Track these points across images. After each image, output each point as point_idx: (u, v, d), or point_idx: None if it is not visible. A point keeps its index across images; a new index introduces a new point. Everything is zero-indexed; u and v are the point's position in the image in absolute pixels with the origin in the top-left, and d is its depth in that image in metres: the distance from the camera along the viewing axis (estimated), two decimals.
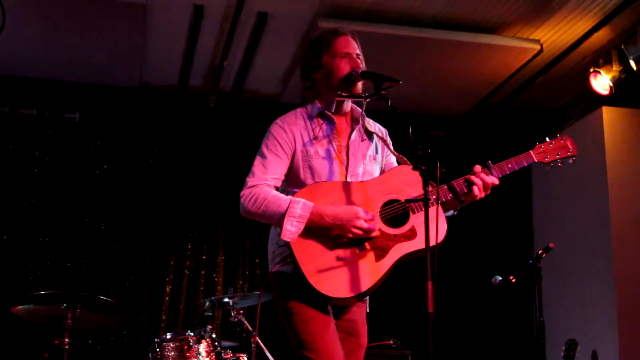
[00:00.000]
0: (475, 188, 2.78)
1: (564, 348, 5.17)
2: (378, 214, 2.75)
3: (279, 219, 2.68)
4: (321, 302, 2.71)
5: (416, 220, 2.75)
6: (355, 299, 2.72)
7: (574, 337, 5.23)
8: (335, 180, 2.82)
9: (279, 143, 2.83)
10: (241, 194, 2.79)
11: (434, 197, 2.61)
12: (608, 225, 6.00)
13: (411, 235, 2.73)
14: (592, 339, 5.86)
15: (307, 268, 2.65)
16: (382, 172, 3.00)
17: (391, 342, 5.61)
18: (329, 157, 2.85)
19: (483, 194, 2.81)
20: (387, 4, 5.17)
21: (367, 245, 2.71)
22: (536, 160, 2.95)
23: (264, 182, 2.77)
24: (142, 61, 5.89)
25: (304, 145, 2.84)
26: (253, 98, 6.54)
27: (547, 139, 2.98)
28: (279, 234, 2.75)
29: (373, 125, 3.04)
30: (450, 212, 2.89)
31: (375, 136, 3.01)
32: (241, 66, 5.97)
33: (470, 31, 5.49)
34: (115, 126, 6.34)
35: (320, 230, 2.68)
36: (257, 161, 2.84)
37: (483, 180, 2.80)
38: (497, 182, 2.84)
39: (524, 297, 5.73)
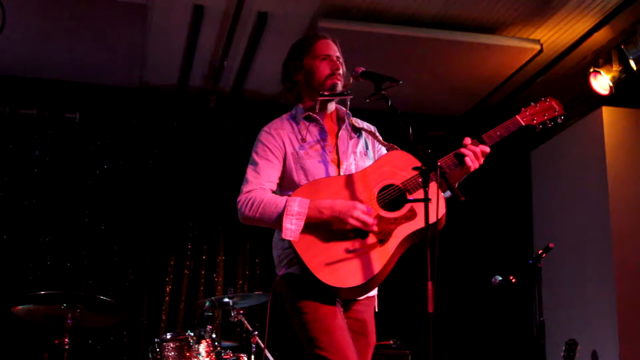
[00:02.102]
0: (467, 159, 2.78)
1: (564, 348, 5.17)
2: (375, 200, 2.75)
3: (277, 219, 2.68)
4: (331, 298, 2.70)
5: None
6: (366, 287, 2.69)
7: (574, 337, 5.24)
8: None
9: (269, 148, 2.85)
10: (237, 200, 2.79)
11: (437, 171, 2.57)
12: (608, 225, 6.00)
13: (411, 215, 2.72)
14: (592, 339, 5.86)
15: (313, 264, 2.64)
16: None
17: (391, 342, 5.61)
18: (320, 157, 2.86)
19: (477, 164, 2.81)
20: (387, 4, 5.17)
21: (368, 231, 2.70)
22: (523, 124, 2.92)
23: (258, 187, 2.78)
24: (142, 61, 5.90)
25: (294, 148, 2.86)
26: (253, 98, 6.54)
27: (532, 102, 2.96)
28: (281, 237, 2.76)
29: (361, 123, 3.06)
30: (448, 193, 2.87)
31: (363, 132, 3.03)
32: (241, 66, 5.97)
33: (470, 31, 5.49)
34: (115, 126, 6.34)
35: (320, 225, 2.68)
36: (249, 169, 2.85)
37: (473, 150, 2.80)
38: (488, 149, 2.83)
39: (524, 297, 5.75)
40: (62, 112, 6.20)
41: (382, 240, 2.69)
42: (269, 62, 5.90)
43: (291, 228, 2.64)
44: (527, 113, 2.95)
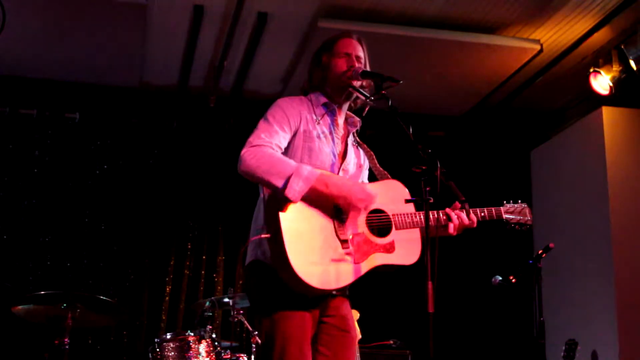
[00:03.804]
0: (450, 226, 2.90)
1: (564, 348, 5.17)
2: (365, 219, 2.79)
3: (284, 178, 2.61)
4: (303, 301, 2.70)
5: (396, 236, 2.82)
6: (328, 292, 2.74)
7: (574, 337, 5.23)
8: (327, 169, 2.83)
9: (287, 117, 2.82)
10: (244, 151, 2.71)
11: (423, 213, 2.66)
12: (608, 225, 5.99)
13: (390, 248, 2.79)
14: (592, 339, 5.86)
15: (290, 243, 2.60)
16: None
17: (391, 342, 5.61)
18: (327, 146, 2.88)
19: (455, 233, 2.92)
20: (387, 4, 5.18)
21: (350, 245, 2.71)
22: (504, 219, 3.10)
23: (268, 145, 2.73)
24: (142, 61, 5.90)
25: (307, 126, 2.86)
26: (253, 98, 6.54)
27: (511, 201, 3.15)
28: (263, 224, 2.73)
29: (360, 141, 3.12)
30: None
31: (361, 148, 3.07)
32: (241, 66, 5.97)
33: (470, 31, 5.49)
34: (115, 126, 6.34)
35: (318, 202, 2.67)
36: (263, 126, 2.78)
37: (461, 219, 2.91)
38: (475, 224, 2.97)
39: (524, 297, 5.74)
40: (62, 112, 6.20)
41: (359, 258, 2.72)
42: (269, 62, 5.91)
43: (296, 189, 2.60)
44: (509, 209, 3.12)
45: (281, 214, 2.62)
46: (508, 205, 3.11)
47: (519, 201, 3.16)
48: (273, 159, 2.67)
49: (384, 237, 2.80)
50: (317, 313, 2.79)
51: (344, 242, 2.70)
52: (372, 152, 3.08)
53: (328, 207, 2.70)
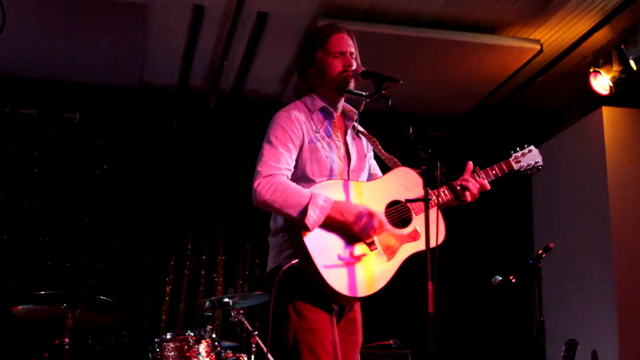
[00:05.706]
0: (467, 194, 2.90)
1: (564, 348, 5.17)
2: (384, 215, 2.79)
3: (301, 209, 2.61)
4: (328, 303, 2.71)
5: (418, 221, 2.82)
6: (363, 299, 2.74)
7: (574, 337, 5.23)
8: (338, 175, 2.84)
9: (289, 134, 2.79)
10: (256, 182, 2.68)
11: (434, 196, 2.67)
12: (608, 225, 5.99)
13: (415, 236, 2.81)
14: (592, 339, 5.86)
15: (321, 263, 2.62)
16: (369, 171, 3.07)
17: (391, 342, 5.61)
18: (332, 151, 2.86)
19: (471, 199, 2.92)
20: (387, 4, 5.18)
21: (377, 245, 2.73)
22: (515, 169, 3.13)
23: (279, 172, 2.71)
24: (142, 61, 5.90)
25: (310, 138, 2.83)
26: (253, 98, 6.54)
27: (518, 148, 3.16)
28: (284, 229, 2.74)
29: (361, 128, 3.09)
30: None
31: (363, 136, 3.06)
32: (241, 66, 5.97)
33: (470, 31, 5.49)
34: (115, 126, 6.34)
35: (336, 227, 2.68)
36: (268, 152, 2.75)
37: (474, 185, 2.93)
38: (488, 186, 2.98)
39: (524, 297, 5.74)
40: (62, 112, 6.20)
41: (389, 256, 2.75)
42: (269, 62, 5.90)
43: (314, 217, 2.61)
44: (517, 158, 3.13)
45: (305, 238, 2.64)
46: (515, 154, 3.13)
47: (525, 145, 3.17)
48: (287, 190, 2.66)
49: (407, 227, 2.81)
50: (336, 313, 2.81)
51: (370, 244, 2.72)
52: (374, 139, 3.05)
53: (348, 231, 2.70)
